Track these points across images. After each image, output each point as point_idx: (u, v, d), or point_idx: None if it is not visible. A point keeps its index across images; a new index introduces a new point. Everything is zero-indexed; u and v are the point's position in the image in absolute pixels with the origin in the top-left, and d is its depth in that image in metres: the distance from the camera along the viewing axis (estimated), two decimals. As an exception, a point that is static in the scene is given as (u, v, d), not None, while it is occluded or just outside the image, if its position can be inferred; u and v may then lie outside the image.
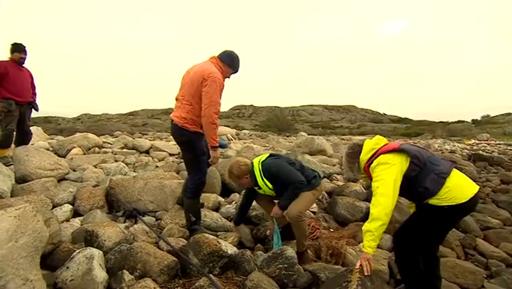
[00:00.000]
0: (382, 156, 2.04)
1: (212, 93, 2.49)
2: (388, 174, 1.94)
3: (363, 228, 1.96)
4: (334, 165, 6.41)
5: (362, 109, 69.51)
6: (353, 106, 71.15)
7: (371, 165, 2.08)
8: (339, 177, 5.57)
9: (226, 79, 2.77)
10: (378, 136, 2.24)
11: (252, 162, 2.75)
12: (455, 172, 2.03)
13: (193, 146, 2.64)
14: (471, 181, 2.07)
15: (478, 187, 2.04)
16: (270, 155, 2.83)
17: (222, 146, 2.95)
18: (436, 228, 2.07)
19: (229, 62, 2.74)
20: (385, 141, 2.18)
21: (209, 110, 2.49)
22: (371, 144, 2.16)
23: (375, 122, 48.19)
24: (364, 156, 2.14)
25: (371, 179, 2.12)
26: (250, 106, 66.91)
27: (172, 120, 2.71)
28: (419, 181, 1.97)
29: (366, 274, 1.87)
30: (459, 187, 1.96)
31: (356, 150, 2.22)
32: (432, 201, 1.98)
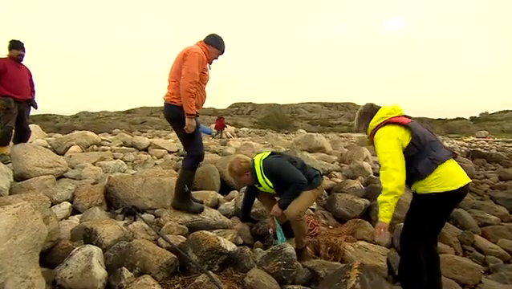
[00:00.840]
0: (387, 126, 2.07)
1: (190, 65, 2.63)
2: (393, 147, 1.99)
3: (378, 199, 2.02)
4: (333, 162, 6.42)
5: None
6: (352, 103, 71.22)
7: (376, 135, 2.12)
8: (337, 174, 5.58)
9: (219, 62, 2.98)
10: (395, 106, 2.20)
11: (253, 160, 2.76)
12: (450, 162, 2.03)
13: (184, 122, 2.71)
14: (464, 173, 2.07)
15: (470, 180, 2.06)
16: (272, 153, 2.82)
17: (206, 132, 3.11)
18: (428, 218, 2.07)
19: (213, 42, 2.89)
20: (400, 112, 2.17)
21: (185, 80, 2.63)
22: (384, 112, 2.16)
23: (374, 119, 48.24)
24: (374, 123, 2.17)
25: (373, 144, 2.18)
26: (249, 103, 66.90)
27: (164, 100, 2.84)
28: (413, 163, 2.00)
29: (382, 237, 2.04)
30: (449, 175, 1.97)
31: (369, 112, 2.24)
32: (420, 189, 2.02)
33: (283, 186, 2.60)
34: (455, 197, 2.01)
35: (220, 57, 3.00)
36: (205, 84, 2.88)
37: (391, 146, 2.00)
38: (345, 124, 46.92)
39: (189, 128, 2.71)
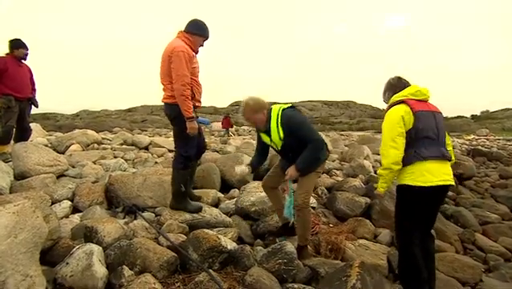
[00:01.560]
0: (401, 105, 2.12)
1: (177, 68, 2.59)
2: (397, 126, 2.06)
3: (377, 172, 2.27)
4: (333, 161, 6.42)
5: (361, 105, 69.39)
6: (352, 102, 71.10)
7: (388, 111, 2.17)
8: (338, 172, 5.57)
9: (202, 48, 2.89)
10: (423, 89, 2.20)
11: (271, 107, 2.56)
12: (433, 162, 2.06)
13: (182, 120, 2.70)
14: (447, 175, 2.10)
15: (449, 182, 2.10)
16: (292, 106, 2.58)
17: (203, 122, 3.17)
18: (405, 210, 2.19)
19: (195, 30, 2.80)
20: (424, 97, 2.19)
21: (177, 84, 2.60)
22: (408, 91, 2.18)
23: (374, 118, 48.03)
24: (395, 98, 2.20)
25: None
26: (250, 102, 66.72)
27: (164, 102, 2.82)
28: None
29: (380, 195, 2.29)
30: (424, 172, 2.03)
31: (395, 85, 2.29)
32: (397, 179, 2.18)
33: (298, 143, 2.41)
34: (427, 194, 2.06)
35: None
36: (197, 76, 2.84)
37: (395, 125, 2.07)
38: (345, 123, 46.81)
39: (191, 130, 2.70)
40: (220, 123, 20.51)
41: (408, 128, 2.07)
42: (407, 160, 2.07)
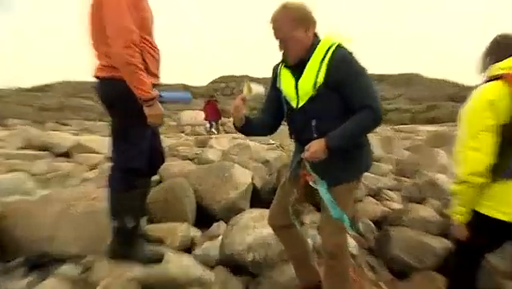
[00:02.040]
0: (494, 84, 2.12)
1: (113, 16, 2.52)
2: (483, 117, 2.09)
3: (451, 189, 2.33)
4: (384, 175, 6.42)
5: (432, 80, 69.22)
6: (416, 75, 71.10)
7: (474, 92, 2.19)
8: (392, 194, 5.57)
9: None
10: None
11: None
12: None
13: (128, 105, 2.66)
14: None
15: None
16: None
17: (182, 99, 3.14)
18: (482, 241, 2.32)
19: None
20: None
21: (117, 46, 2.50)
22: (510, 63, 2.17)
23: (454, 100, 48.13)
24: (493, 71, 2.20)
25: None
26: (243, 77, 66.88)
27: (96, 77, 2.79)
28: None
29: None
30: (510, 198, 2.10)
31: (503, 47, 2.27)
32: None
33: (336, 107, 2.42)
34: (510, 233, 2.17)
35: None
36: (151, 34, 2.82)
37: (480, 114, 2.10)
38: (405, 110, 46.99)
39: (154, 119, 2.69)
40: (196, 112, 20.69)
41: (503, 122, 2.07)
42: (494, 174, 2.11)
